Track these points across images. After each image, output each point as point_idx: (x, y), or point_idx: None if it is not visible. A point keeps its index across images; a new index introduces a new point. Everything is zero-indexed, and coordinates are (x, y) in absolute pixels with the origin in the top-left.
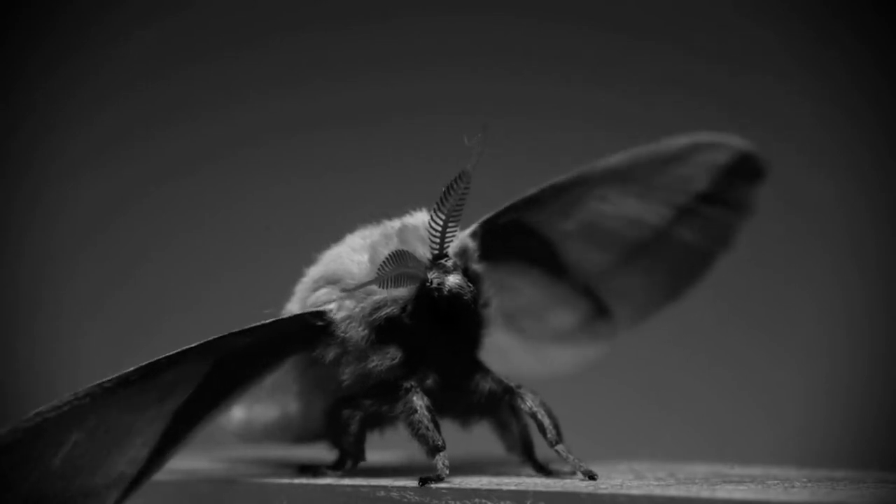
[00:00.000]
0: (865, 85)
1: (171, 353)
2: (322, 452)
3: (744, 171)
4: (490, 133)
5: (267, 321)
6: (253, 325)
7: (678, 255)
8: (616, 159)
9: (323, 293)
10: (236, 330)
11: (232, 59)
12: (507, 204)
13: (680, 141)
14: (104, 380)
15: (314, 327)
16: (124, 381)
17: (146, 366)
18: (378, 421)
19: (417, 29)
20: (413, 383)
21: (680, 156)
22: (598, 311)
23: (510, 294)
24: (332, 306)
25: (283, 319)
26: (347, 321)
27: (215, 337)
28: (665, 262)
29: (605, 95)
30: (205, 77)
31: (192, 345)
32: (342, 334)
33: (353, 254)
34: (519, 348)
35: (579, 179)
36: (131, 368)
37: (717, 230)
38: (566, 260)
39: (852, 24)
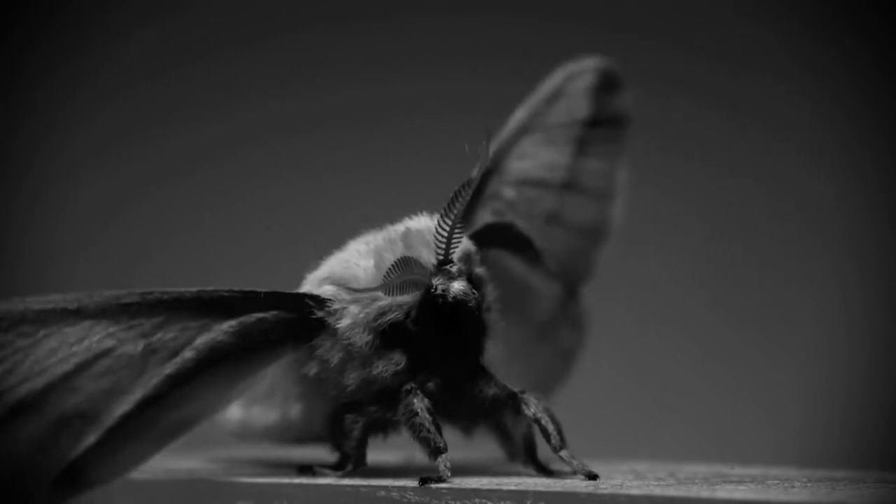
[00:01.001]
0: (865, 85)
1: (166, 289)
2: (322, 452)
3: (607, 85)
4: (491, 135)
5: (265, 290)
6: (252, 288)
7: (592, 184)
8: (518, 114)
9: (327, 289)
10: (235, 288)
11: (232, 59)
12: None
13: (555, 78)
14: (96, 292)
15: (311, 320)
16: (114, 301)
17: (140, 293)
18: (382, 426)
19: (417, 29)
20: (413, 385)
21: (560, 91)
22: (569, 291)
23: (497, 283)
24: (333, 299)
25: (281, 293)
26: (352, 327)
27: (212, 288)
28: (585, 196)
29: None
30: (205, 77)
31: (189, 288)
32: (345, 340)
33: (359, 258)
34: (504, 356)
35: (502, 144)
36: (126, 291)
37: (611, 148)
38: (525, 234)
39: (852, 24)
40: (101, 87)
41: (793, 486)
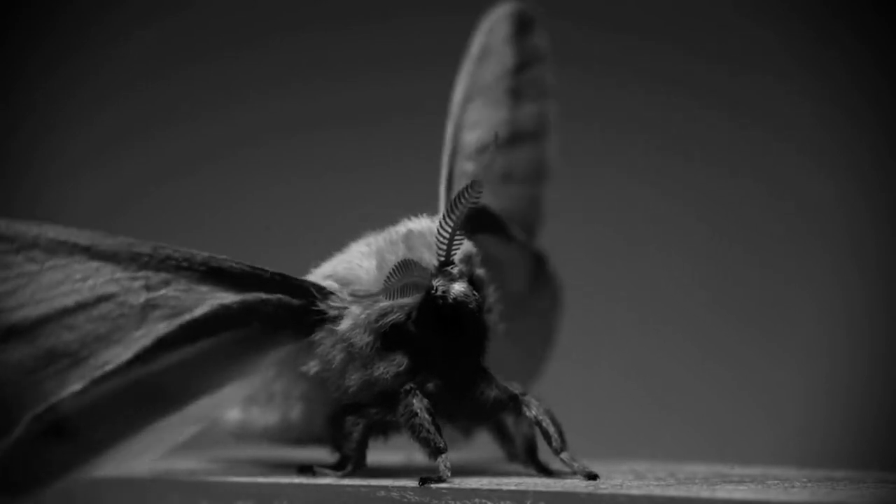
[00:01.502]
0: (865, 85)
1: (179, 247)
2: (322, 453)
3: (523, 28)
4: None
5: (275, 271)
6: (263, 267)
7: (529, 128)
8: (459, 87)
9: (332, 285)
10: (245, 262)
11: (232, 59)
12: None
13: (478, 37)
14: (110, 234)
15: (314, 311)
16: (126, 247)
17: (152, 245)
18: (382, 428)
19: (417, 29)
20: (413, 385)
21: (487, 48)
22: (537, 260)
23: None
24: (336, 294)
25: (287, 277)
26: (353, 327)
27: (223, 257)
28: (527, 142)
29: (604, 95)
30: (205, 77)
31: (203, 253)
32: (346, 341)
33: (362, 259)
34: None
35: (455, 123)
36: (139, 240)
37: (539, 87)
38: (496, 213)
39: (852, 24)
40: (101, 87)
41: (793, 486)
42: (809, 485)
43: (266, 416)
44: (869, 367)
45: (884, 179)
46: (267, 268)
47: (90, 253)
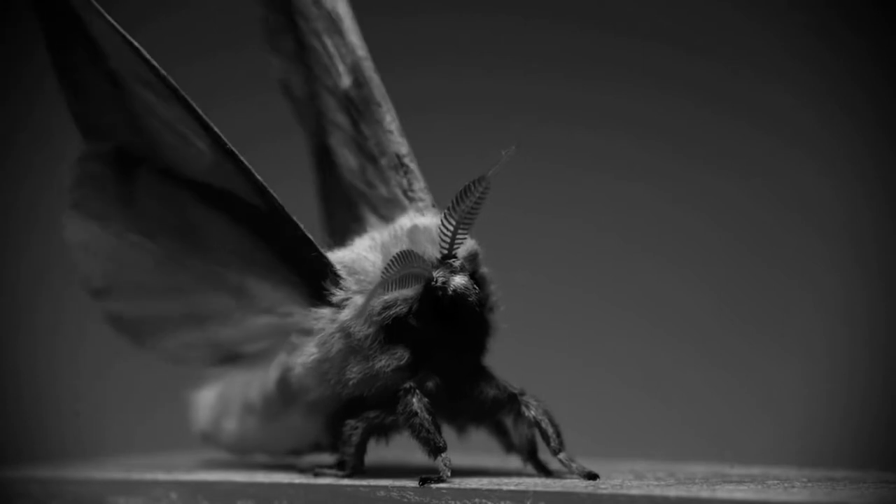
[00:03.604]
0: (866, 84)
1: (246, 162)
2: (322, 455)
3: None
4: (491, 132)
5: (307, 233)
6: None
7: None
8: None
9: (341, 271)
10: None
11: (232, 59)
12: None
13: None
14: (205, 118)
15: (320, 272)
16: (212, 130)
17: (225, 142)
18: (383, 431)
19: (419, 27)
20: (412, 384)
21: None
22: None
23: None
24: (345, 280)
25: (315, 248)
26: (355, 318)
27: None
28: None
29: (604, 95)
30: (205, 77)
31: (259, 177)
32: (346, 330)
33: (368, 253)
34: None
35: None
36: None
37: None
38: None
39: (853, 24)
40: None
41: (793, 486)
42: (809, 485)
43: (264, 426)
44: (869, 367)
45: (884, 179)
46: (301, 224)
47: (190, 110)
